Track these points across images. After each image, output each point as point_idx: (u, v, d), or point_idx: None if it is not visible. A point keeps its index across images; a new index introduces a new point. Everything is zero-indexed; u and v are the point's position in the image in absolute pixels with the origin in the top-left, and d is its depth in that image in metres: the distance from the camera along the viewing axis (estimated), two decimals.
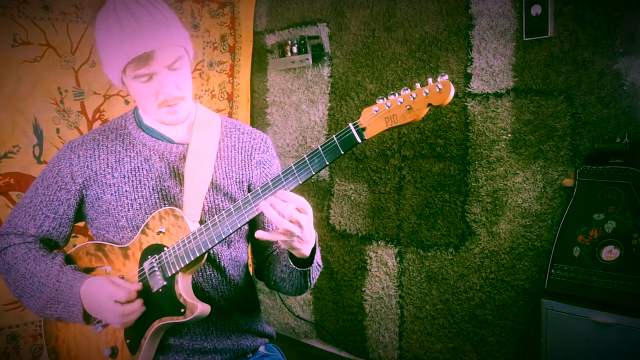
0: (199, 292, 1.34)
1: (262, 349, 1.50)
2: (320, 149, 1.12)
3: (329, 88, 2.82)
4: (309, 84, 2.90)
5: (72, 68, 2.54)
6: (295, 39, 2.83)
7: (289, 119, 3.01)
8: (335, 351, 2.90)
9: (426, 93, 1.05)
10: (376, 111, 1.08)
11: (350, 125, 1.10)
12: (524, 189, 2.20)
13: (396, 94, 1.08)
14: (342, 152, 1.11)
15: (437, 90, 1.04)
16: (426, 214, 2.49)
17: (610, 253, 1.86)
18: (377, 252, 2.69)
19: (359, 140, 1.10)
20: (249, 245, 1.51)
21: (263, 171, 1.46)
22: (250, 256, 1.53)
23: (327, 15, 2.80)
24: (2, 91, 2.36)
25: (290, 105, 3.00)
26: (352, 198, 2.75)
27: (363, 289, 2.76)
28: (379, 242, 2.67)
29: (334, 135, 1.11)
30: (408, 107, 1.06)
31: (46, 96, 2.48)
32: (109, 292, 1.26)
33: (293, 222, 1.15)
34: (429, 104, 1.05)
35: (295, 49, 2.82)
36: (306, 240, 1.21)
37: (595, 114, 2.01)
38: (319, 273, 1.38)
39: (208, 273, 1.37)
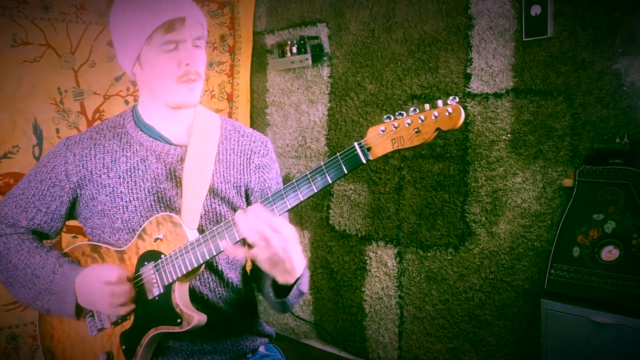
0: (197, 295, 1.34)
1: (261, 349, 1.49)
2: (323, 166, 1.09)
3: (329, 88, 2.82)
4: (308, 84, 2.90)
5: (71, 68, 2.54)
6: (294, 39, 2.83)
7: (288, 119, 3.02)
8: (334, 351, 2.90)
9: (435, 116, 1.01)
10: (382, 131, 1.05)
11: (356, 144, 1.07)
12: (524, 189, 2.20)
13: (404, 113, 1.04)
14: (346, 172, 1.08)
15: (447, 114, 1.00)
16: (426, 214, 2.49)
17: (609, 253, 1.86)
18: (376, 253, 2.69)
19: (364, 161, 1.07)
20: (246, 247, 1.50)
21: (262, 175, 1.43)
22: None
23: (327, 15, 2.80)
24: (2, 91, 2.36)
25: (289, 105, 3.00)
26: (352, 198, 2.75)
27: (363, 289, 2.76)
28: (379, 243, 2.67)
29: (337, 154, 1.08)
30: (416, 129, 1.03)
31: (46, 96, 2.48)
32: (100, 274, 1.26)
33: (263, 238, 1.11)
34: (438, 128, 1.01)
35: (294, 49, 2.82)
36: (289, 268, 1.17)
37: (595, 114, 2.01)
38: (300, 299, 1.33)
39: (205, 276, 1.36)
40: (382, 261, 2.67)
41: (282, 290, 1.27)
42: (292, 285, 1.25)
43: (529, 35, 2.12)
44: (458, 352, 2.45)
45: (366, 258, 2.73)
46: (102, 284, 1.25)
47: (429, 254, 2.50)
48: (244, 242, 1.17)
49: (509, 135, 2.22)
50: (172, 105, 1.32)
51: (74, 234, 2.53)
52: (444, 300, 2.47)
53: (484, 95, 2.28)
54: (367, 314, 2.76)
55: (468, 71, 2.31)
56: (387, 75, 2.58)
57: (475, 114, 2.30)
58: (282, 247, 1.12)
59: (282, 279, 1.21)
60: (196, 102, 1.33)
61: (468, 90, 2.32)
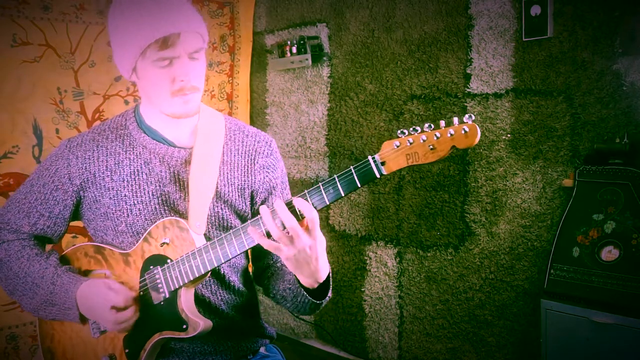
0: (199, 297, 1.33)
1: (262, 350, 1.48)
2: (336, 178, 1.08)
3: (329, 88, 2.82)
4: (308, 84, 2.90)
5: (71, 68, 2.54)
6: (294, 39, 2.83)
7: (288, 119, 3.01)
8: (334, 351, 2.90)
9: (451, 134, 1.00)
10: (397, 146, 1.04)
11: (370, 158, 1.06)
12: (524, 189, 2.20)
13: (418, 128, 1.03)
14: (359, 185, 1.07)
15: (463, 132, 0.99)
16: (426, 214, 2.49)
17: (609, 253, 1.86)
18: (376, 253, 2.69)
19: (378, 176, 1.06)
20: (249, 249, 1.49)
21: (267, 175, 1.41)
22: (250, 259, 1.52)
23: (327, 15, 2.80)
24: (2, 91, 2.36)
25: (289, 105, 3.00)
26: (352, 198, 2.75)
27: (362, 290, 2.76)
28: (379, 243, 2.67)
29: (351, 167, 1.07)
30: (431, 146, 1.02)
31: (46, 96, 2.48)
32: (106, 297, 1.24)
33: (289, 233, 1.09)
34: (453, 146, 1.00)
35: (294, 49, 2.82)
36: (313, 269, 1.14)
37: (595, 114, 2.01)
38: (325, 302, 1.30)
39: (207, 279, 1.35)
40: (382, 261, 2.67)
41: (310, 293, 1.24)
42: (320, 292, 1.23)
43: (528, 35, 2.12)
44: (458, 352, 2.45)
45: (366, 258, 2.73)
46: (106, 308, 1.24)
47: (428, 254, 2.50)
48: (269, 234, 1.14)
49: (508, 135, 2.22)
50: (169, 115, 1.31)
51: (73, 234, 2.52)
52: (444, 300, 2.47)
53: (483, 95, 2.28)
54: (367, 314, 2.76)
55: (468, 71, 2.31)
56: (387, 75, 2.58)
57: (475, 114, 2.30)
58: (309, 245, 1.11)
59: (305, 281, 1.19)
60: (193, 113, 1.31)
61: (468, 90, 2.32)
